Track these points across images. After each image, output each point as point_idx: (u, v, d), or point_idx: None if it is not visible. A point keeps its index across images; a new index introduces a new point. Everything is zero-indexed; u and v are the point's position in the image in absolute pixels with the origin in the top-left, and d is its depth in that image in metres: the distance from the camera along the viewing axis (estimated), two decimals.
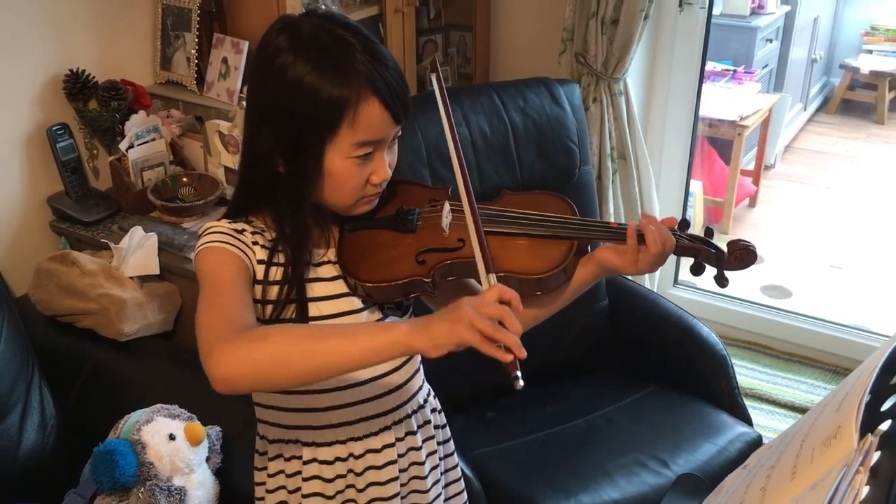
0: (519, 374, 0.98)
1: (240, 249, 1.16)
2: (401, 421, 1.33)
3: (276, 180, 1.17)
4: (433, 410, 1.40)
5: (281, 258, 1.19)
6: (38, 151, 2.25)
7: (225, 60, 2.34)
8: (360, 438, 1.30)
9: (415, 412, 1.35)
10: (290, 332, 1.05)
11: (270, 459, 1.33)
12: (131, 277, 2.09)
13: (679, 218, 1.25)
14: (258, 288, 1.17)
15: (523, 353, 0.98)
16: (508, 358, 0.98)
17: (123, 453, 1.70)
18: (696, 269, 1.26)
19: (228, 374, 1.00)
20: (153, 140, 2.31)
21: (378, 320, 1.26)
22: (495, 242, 1.21)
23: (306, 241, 1.20)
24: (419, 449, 1.36)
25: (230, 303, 1.09)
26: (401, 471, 1.34)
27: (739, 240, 1.23)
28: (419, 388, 1.36)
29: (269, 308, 1.18)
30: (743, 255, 1.21)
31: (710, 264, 1.24)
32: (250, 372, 1.01)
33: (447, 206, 1.24)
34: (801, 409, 2.84)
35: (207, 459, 1.82)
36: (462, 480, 1.49)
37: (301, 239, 1.19)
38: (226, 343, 1.01)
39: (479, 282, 1.12)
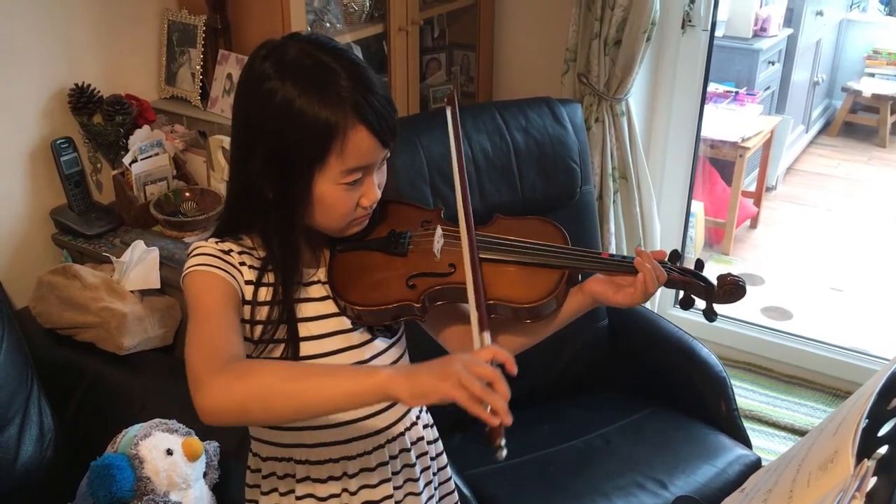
0: (503, 442, 0.96)
1: (226, 272, 1.15)
2: (394, 439, 1.32)
3: (266, 203, 1.17)
4: (426, 426, 1.40)
5: (271, 278, 1.18)
6: (41, 165, 2.26)
7: (229, 77, 2.35)
8: (353, 458, 1.29)
9: (407, 429, 1.34)
10: (274, 370, 1.04)
11: (264, 477, 1.32)
12: (132, 291, 2.09)
13: (672, 248, 1.26)
14: (247, 308, 1.17)
15: (509, 420, 0.96)
16: (495, 421, 0.96)
17: (121, 468, 1.70)
18: (686, 304, 1.25)
19: (214, 407, 1.01)
20: (157, 155, 2.32)
21: (367, 342, 1.26)
22: (487, 269, 1.20)
23: (296, 264, 1.20)
24: (413, 465, 1.35)
25: (216, 332, 1.09)
26: (395, 488, 1.33)
27: (729, 274, 1.24)
28: (408, 410, 1.36)
29: (259, 328, 1.18)
30: (732, 289, 1.22)
31: (700, 297, 1.24)
32: (235, 406, 1.01)
33: (439, 231, 1.24)
34: (800, 432, 2.84)
35: (205, 475, 1.82)
36: (455, 494, 1.49)
37: (290, 263, 1.19)
38: (212, 375, 1.01)
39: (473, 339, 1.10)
